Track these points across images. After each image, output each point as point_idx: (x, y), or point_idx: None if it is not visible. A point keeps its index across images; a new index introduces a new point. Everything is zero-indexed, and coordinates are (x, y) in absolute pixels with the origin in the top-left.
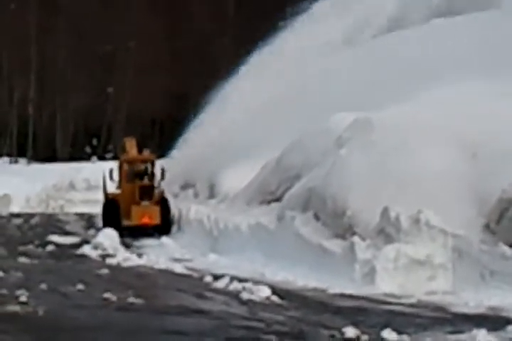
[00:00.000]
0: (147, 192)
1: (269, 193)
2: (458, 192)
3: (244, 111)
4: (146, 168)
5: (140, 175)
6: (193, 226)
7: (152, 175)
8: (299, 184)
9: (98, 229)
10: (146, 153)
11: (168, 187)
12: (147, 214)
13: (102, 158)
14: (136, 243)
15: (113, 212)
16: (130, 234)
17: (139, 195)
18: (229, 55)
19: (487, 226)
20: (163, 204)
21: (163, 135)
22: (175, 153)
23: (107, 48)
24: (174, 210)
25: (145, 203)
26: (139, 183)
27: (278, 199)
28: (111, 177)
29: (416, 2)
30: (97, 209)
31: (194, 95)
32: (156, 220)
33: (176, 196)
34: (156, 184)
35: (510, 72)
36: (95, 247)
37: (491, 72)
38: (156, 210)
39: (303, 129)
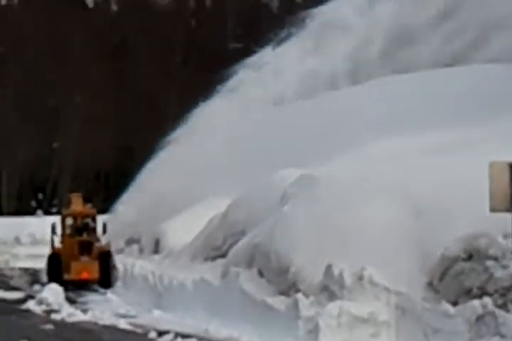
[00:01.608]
0: (86, 247)
1: (214, 249)
2: (401, 248)
3: (188, 167)
4: (87, 223)
5: (80, 230)
6: (137, 282)
7: (92, 230)
8: (244, 240)
9: (43, 284)
10: (87, 207)
11: (112, 243)
12: (86, 269)
13: (47, 212)
14: (81, 298)
15: (56, 266)
16: (71, 288)
17: (79, 250)
18: (174, 109)
19: (430, 284)
20: (103, 259)
21: (109, 189)
22: (119, 207)
23: (53, 102)
24: (118, 265)
25: (84, 258)
26: (79, 238)
27: (223, 255)
28: (53, 232)
29: (367, 59)
30: (42, 264)
31: (139, 149)
32: (95, 275)
33: (120, 251)
34: (96, 239)
35: (452, 128)
36: (40, 302)
37: (434, 126)
38: (94, 265)
39: (247, 185)
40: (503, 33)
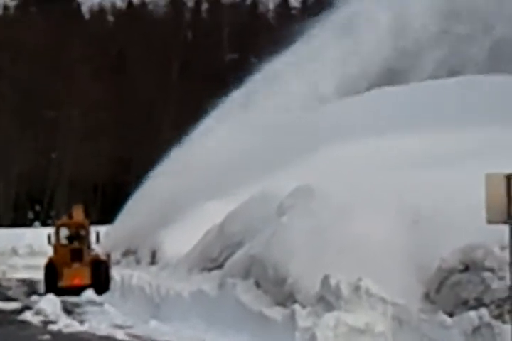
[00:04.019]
0: (77, 254)
1: (211, 260)
2: (398, 259)
3: (186, 178)
4: (78, 232)
5: (72, 238)
6: (134, 293)
7: (84, 239)
8: (241, 251)
9: (40, 295)
10: (80, 218)
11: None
12: (77, 275)
13: (44, 223)
14: (78, 309)
15: (51, 274)
16: (65, 294)
17: (70, 258)
18: (171, 121)
19: (427, 295)
20: (96, 265)
21: (105, 200)
22: (117, 219)
23: (51, 114)
24: (116, 276)
25: (76, 265)
26: (70, 246)
27: (220, 267)
28: (49, 242)
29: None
30: (40, 275)
31: (136, 160)
32: (87, 281)
33: (118, 262)
34: (88, 247)
35: (448, 139)
36: (37, 313)
37: (430, 138)
38: (86, 271)
39: (243, 196)
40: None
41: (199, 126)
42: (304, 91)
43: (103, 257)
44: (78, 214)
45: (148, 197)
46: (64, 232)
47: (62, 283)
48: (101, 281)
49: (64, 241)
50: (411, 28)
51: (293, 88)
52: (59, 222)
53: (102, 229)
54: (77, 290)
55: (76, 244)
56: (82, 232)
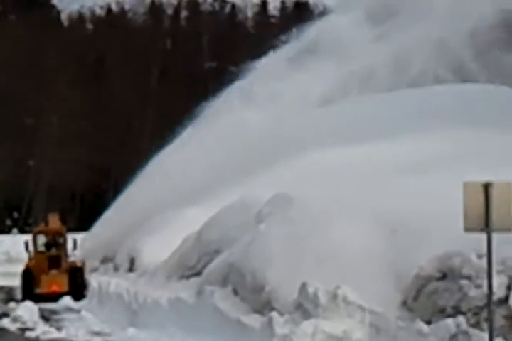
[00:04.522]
0: (55, 261)
1: (189, 268)
2: (376, 267)
3: (164, 185)
4: (55, 239)
5: (49, 245)
6: (112, 300)
7: (62, 246)
8: (219, 259)
9: (18, 302)
10: (57, 225)
11: (88, 261)
12: (55, 282)
13: (22, 230)
14: (56, 316)
15: (28, 281)
16: (42, 301)
17: (48, 265)
18: (151, 129)
19: (404, 303)
20: (73, 272)
21: (83, 207)
22: (95, 226)
23: (29, 121)
24: (93, 283)
25: (53, 272)
26: (48, 253)
27: (198, 274)
28: (27, 249)
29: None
30: (18, 282)
31: (115, 168)
32: (64, 288)
33: (95, 269)
34: (65, 254)
35: (426, 148)
36: (14, 320)
37: (407, 147)
38: (64, 278)
39: (222, 203)
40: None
41: (178, 134)
42: (287, 99)
43: (79, 264)
44: (54, 221)
45: (126, 204)
46: (41, 239)
47: (40, 290)
48: (78, 288)
49: (41, 248)
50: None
51: (276, 95)
52: (36, 229)
53: (80, 236)
54: (54, 297)
55: (54, 251)
56: (60, 239)
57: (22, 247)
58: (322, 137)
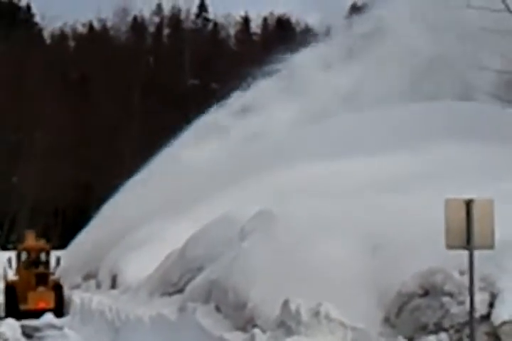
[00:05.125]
0: (43, 278)
1: (171, 284)
2: (358, 284)
3: (147, 201)
4: (41, 257)
5: (36, 263)
6: (95, 317)
7: (46, 264)
8: (202, 275)
9: (0, 319)
10: (41, 243)
11: (70, 278)
12: (43, 299)
13: (4, 247)
14: (38, 333)
15: (11, 298)
16: (25, 317)
17: (36, 282)
18: (133, 146)
19: (386, 320)
20: (58, 290)
21: (66, 225)
22: (76, 243)
23: (12, 138)
24: (76, 299)
25: (41, 289)
26: (35, 271)
27: (180, 291)
28: (10, 266)
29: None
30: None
31: (97, 185)
32: (51, 304)
33: (77, 286)
34: (50, 271)
35: (407, 164)
36: None
37: (389, 163)
38: (51, 295)
39: (205, 220)
40: None
41: (160, 151)
42: (271, 115)
43: (61, 281)
44: (31, 239)
45: (108, 220)
46: (25, 256)
47: (27, 307)
48: (62, 305)
49: (26, 264)
50: None
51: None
52: (21, 246)
53: (62, 253)
54: (37, 314)
55: (42, 269)
56: (44, 256)
57: (3, 264)
58: (306, 153)
